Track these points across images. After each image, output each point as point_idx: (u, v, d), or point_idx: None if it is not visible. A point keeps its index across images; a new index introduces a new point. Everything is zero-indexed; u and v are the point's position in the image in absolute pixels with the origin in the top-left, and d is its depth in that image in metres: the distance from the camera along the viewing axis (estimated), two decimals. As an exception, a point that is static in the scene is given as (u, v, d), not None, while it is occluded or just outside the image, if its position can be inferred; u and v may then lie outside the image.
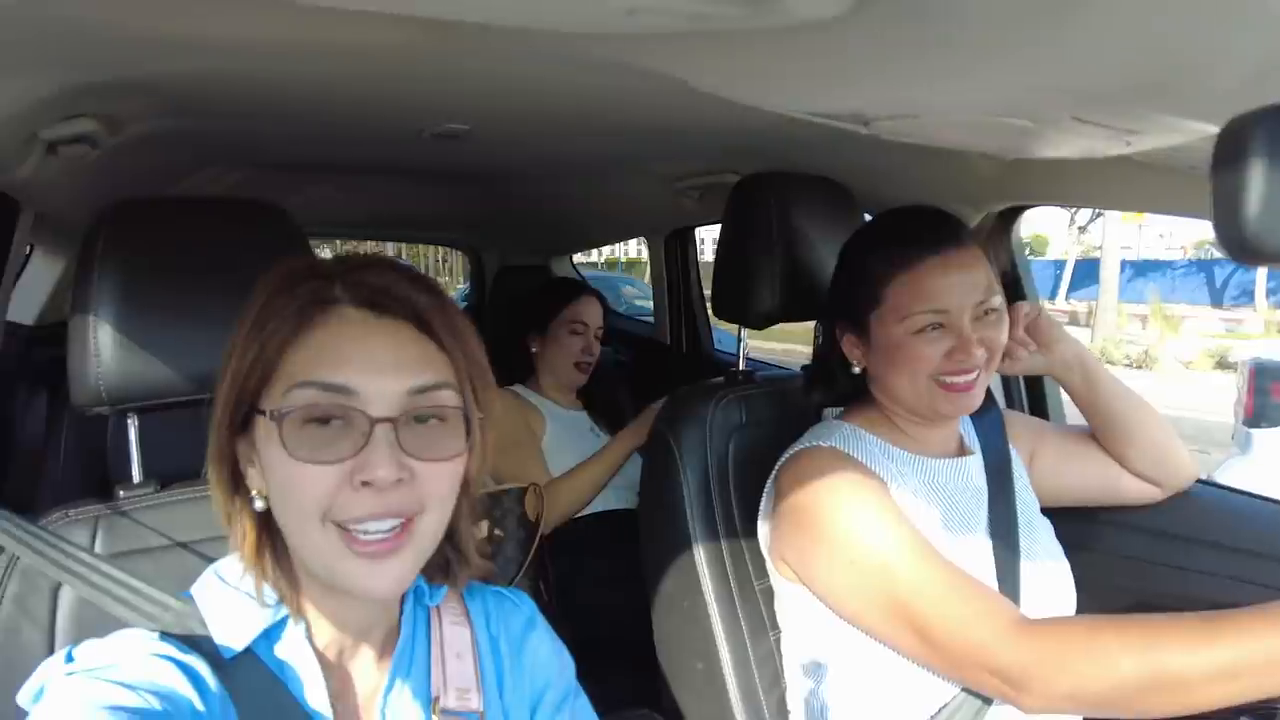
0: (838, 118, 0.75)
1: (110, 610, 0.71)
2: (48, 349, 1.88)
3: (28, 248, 1.98)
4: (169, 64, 0.98)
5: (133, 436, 0.94)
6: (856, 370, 1.15)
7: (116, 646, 0.63)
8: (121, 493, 0.91)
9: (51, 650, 0.80)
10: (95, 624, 0.74)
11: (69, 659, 0.61)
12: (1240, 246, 0.34)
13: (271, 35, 0.86)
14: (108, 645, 0.63)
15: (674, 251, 2.63)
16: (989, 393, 1.21)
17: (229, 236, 0.94)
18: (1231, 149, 0.35)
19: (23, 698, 0.60)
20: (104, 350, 0.86)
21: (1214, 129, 0.64)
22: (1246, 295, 17.97)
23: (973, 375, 1.05)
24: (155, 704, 0.57)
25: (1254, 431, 3.05)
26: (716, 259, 1.38)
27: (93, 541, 0.86)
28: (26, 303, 2.00)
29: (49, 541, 0.77)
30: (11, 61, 0.85)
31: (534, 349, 2.10)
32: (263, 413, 0.62)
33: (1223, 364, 11.02)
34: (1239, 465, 3.00)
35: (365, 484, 0.60)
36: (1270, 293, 17.42)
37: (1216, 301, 18.55)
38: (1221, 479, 1.31)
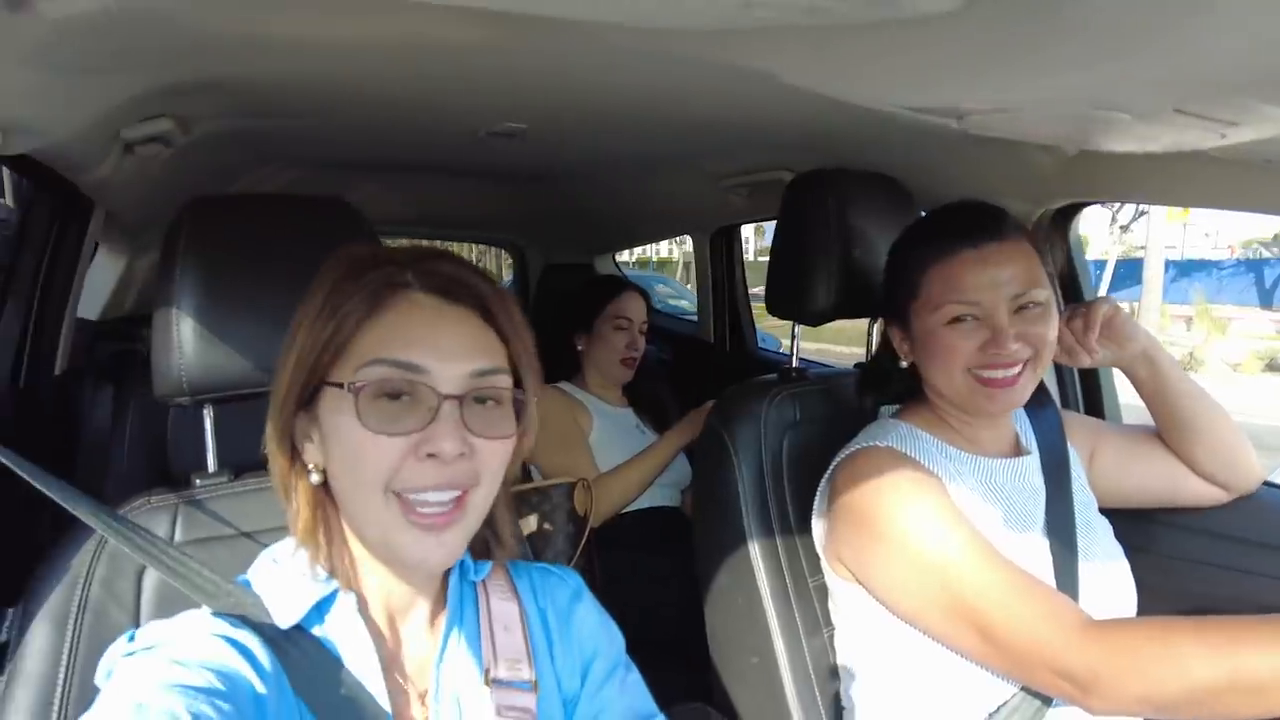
0: (933, 112, 0.75)
1: (187, 593, 0.73)
2: (111, 344, 1.94)
3: (95, 245, 2.04)
4: (242, 63, 1.01)
5: (208, 427, 0.96)
6: (904, 364, 1.16)
7: (174, 627, 0.66)
8: (198, 481, 0.94)
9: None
10: (176, 606, 0.76)
11: (130, 639, 0.64)
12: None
13: (343, 34, 0.89)
14: (166, 626, 0.66)
15: (719, 249, 2.62)
16: (1045, 391, 1.20)
17: (301, 232, 0.96)
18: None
19: (98, 678, 0.63)
20: (186, 343, 0.89)
21: (1311, 120, 0.63)
22: (1298, 296, 17.44)
23: (1013, 370, 1.04)
24: (212, 679, 0.59)
25: (1311, 435, 2.96)
26: (772, 255, 1.38)
27: (173, 528, 0.89)
28: (91, 299, 2.06)
29: (134, 529, 0.79)
30: (104, 63, 0.88)
31: (580, 346, 2.12)
32: (337, 385, 0.65)
33: (1273, 366, 10.72)
34: (1295, 469, 2.92)
35: (430, 456, 0.64)
36: (1323, 294, 16.90)
37: (1266, 302, 18.00)
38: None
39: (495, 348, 0.70)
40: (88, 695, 0.79)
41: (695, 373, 2.70)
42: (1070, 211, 1.48)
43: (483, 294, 0.69)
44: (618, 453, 1.98)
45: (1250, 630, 0.81)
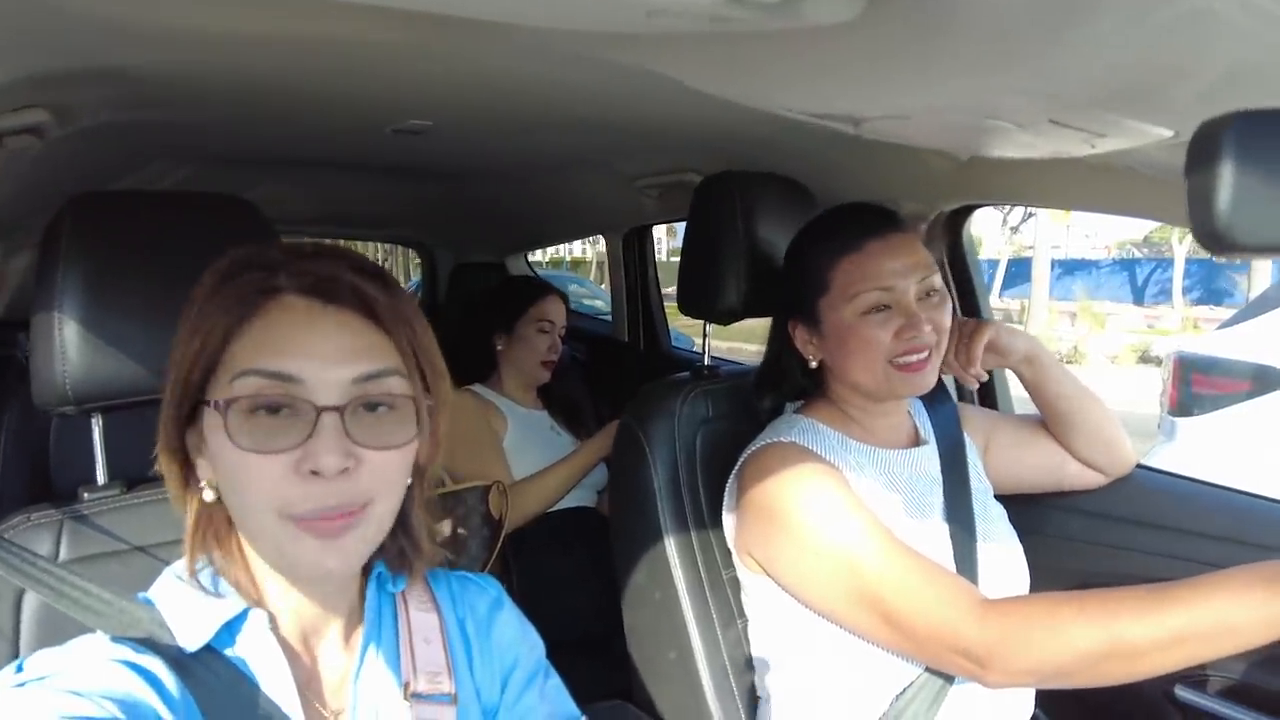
0: (831, 118, 0.78)
1: (75, 616, 0.69)
2: None
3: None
4: (129, 54, 0.95)
5: (97, 437, 0.91)
6: (813, 364, 1.17)
7: (69, 654, 0.61)
8: (86, 495, 0.89)
9: (18, 659, 0.78)
10: (60, 632, 0.71)
11: (19, 669, 0.59)
12: (1214, 240, 0.38)
13: (239, 26, 0.85)
14: (60, 653, 0.61)
15: (633, 250, 2.64)
16: (943, 385, 1.26)
17: (196, 230, 0.92)
18: (1205, 150, 0.38)
19: None
20: (70, 348, 0.84)
21: (1168, 133, 0.69)
22: (1165, 294, 18.85)
23: (924, 354, 1.09)
24: (113, 710, 0.56)
25: (1178, 420, 3.19)
26: (682, 255, 1.40)
27: (57, 545, 0.84)
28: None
29: (10, 548, 0.74)
30: None
31: (500, 347, 2.10)
32: (208, 403, 0.62)
33: (1145, 358, 11.52)
34: (1165, 453, 3.14)
35: (313, 473, 0.60)
36: (1186, 290, 18.31)
37: (1138, 299, 19.40)
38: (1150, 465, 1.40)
39: (383, 348, 0.64)
40: (-39, 731, 0.73)
41: (610, 372, 2.71)
42: (963, 213, 1.56)
43: (363, 292, 0.64)
44: (533, 455, 1.97)
45: (1125, 600, 0.87)
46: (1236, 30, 0.45)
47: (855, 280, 1.08)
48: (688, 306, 1.40)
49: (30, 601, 0.80)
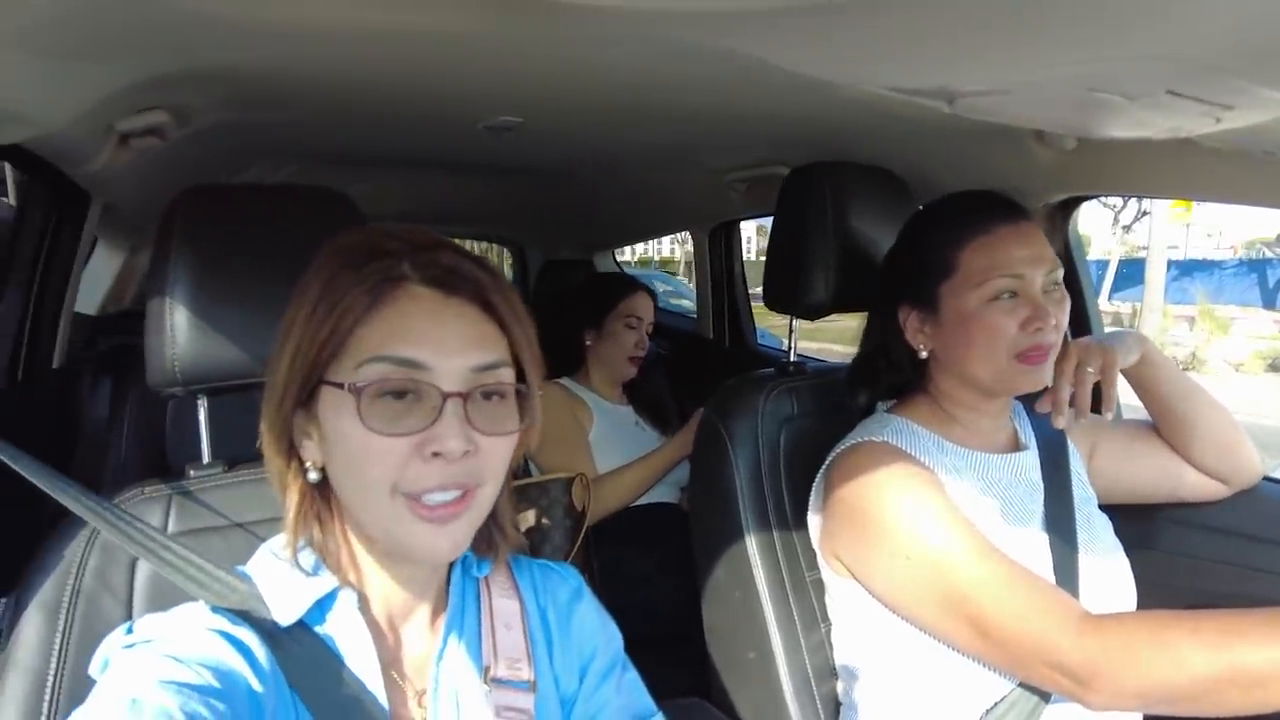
0: (923, 94, 0.74)
1: (180, 585, 0.73)
2: (109, 338, 1.94)
3: (93, 240, 2.04)
4: (238, 53, 1.01)
5: (202, 418, 0.96)
6: (923, 355, 1.12)
7: (172, 621, 0.65)
8: (192, 472, 0.94)
9: (129, 621, 0.83)
10: (169, 597, 0.76)
11: (129, 630, 0.63)
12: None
13: (337, 21, 0.88)
14: (164, 620, 0.65)
15: (719, 245, 2.62)
16: (1045, 388, 1.19)
17: (296, 222, 0.96)
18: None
19: (93, 668, 0.63)
20: (179, 333, 0.88)
21: (1309, 105, 0.63)
22: (1300, 296, 17.42)
23: (1047, 349, 1.04)
24: (208, 677, 0.59)
25: (1313, 433, 2.95)
26: (769, 249, 1.38)
27: (166, 518, 0.89)
28: (89, 294, 2.06)
29: (125, 518, 0.79)
30: (94, 51, 0.87)
31: (589, 342, 2.13)
32: (337, 385, 0.64)
33: (1275, 366, 10.70)
34: (1297, 468, 2.91)
35: (435, 455, 0.63)
36: (1326, 293, 16.87)
37: (1269, 303, 17.97)
38: None
39: (496, 340, 0.68)
40: (79, 685, 0.79)
41: (694, 369, 2.69)
42: (1070, 206, 1.48)
43: (482, 285, 0.67)
44: (617, 450, 1.98)
45: (1247, 624, 0.80)
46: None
47: (984, 265, 1.04)
48: (774, 301, 1.38)
49: (143, 568, 0.85)
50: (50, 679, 0.80)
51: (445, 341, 0.65)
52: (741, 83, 1.04)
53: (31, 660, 0.80)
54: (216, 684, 0.59)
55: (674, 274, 15.55)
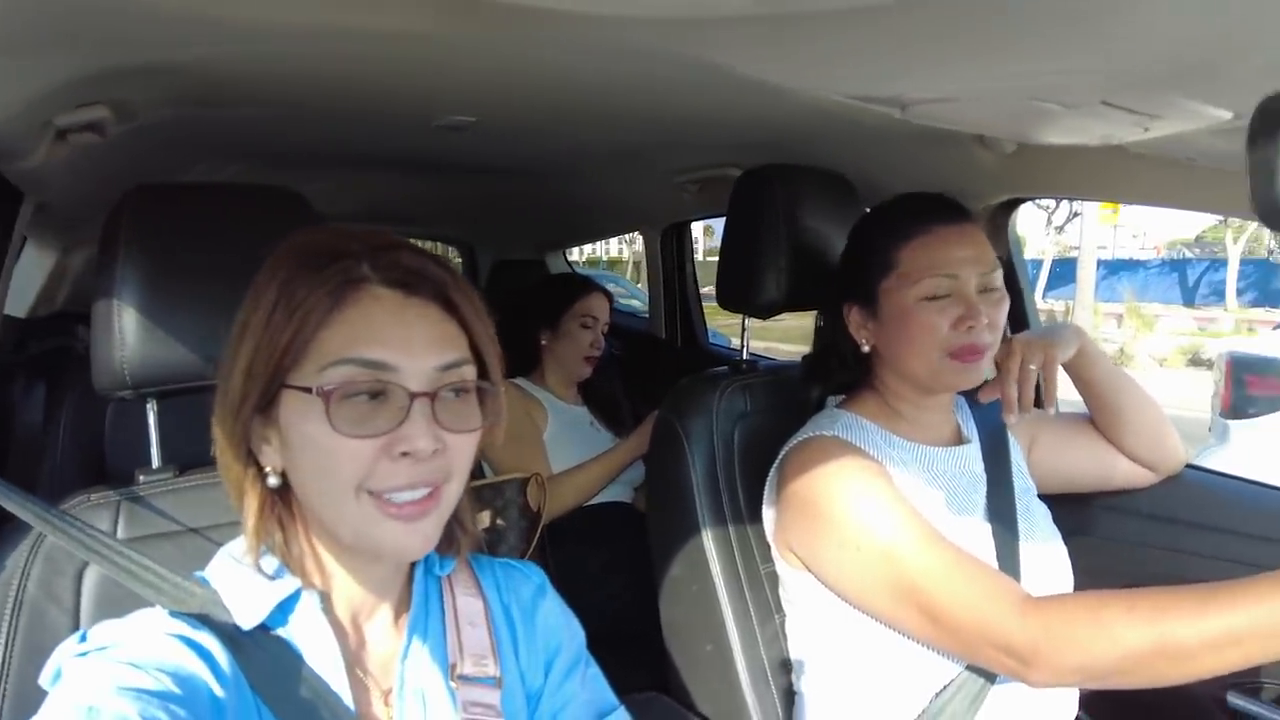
0: (876, 101, 0.77)
1: (136, 590, 0.71)
2: (42, 340, 1.87)
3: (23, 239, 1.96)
4: (186, 48, 0.98)
5: (152, 421, 0.94)
6: (865, 349, 1.16)
7: (128, 627, 0.64)
8: (141, 478, 0.91)
9: (76, 631, 0.81)
10: (118, 605, 0.74)
11: (82, 639, 0.62)
12: (1275, 215, 0.37)
13: (288, 18, 0.87)
14: (120, 626, 0.64)
15: (670, 245, 2.64)
16: (987, 382, 1.24)
17: (248, 221, 0.94)
18: (1268, 124, 0.38)
19: (44, 679, 0.61)
20: (128, 334, 0.86)
21: (1227, 114, 0.67)
22: (1217, 295, 18.28)
23: (979, 348, 1.06)
24: (167, 683, 0.58)
25: (1231, 423, 3.11)
26: (722, 249, 1.40)
27: (115, 525, 0.87)
28: (19, 295, 1.98)
29: (75, 524, 0.77)
30: (33, 43, 0.84)
31: (544, 342, 2.13)
32: (301, 389, 0.63)
33: (1195, 361, 11.20)
34: (1217, 455, 3.07)
35: (404, 455, 0.63)
36: (1241, 292, 17.74)
37: (1189, 300, 18.84)
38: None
39: (458, 338, 0.68)
40: (25, 700, 0.76)
41: (647, 368, 2.71)
42: (1009, 207, 1.54)
43: (443, 284, 0.68)
44: (572, 450, 1.98)
45: (1176, 599, 0.85)
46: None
47: (921, 263, 1.07)
48: (727, 300, 1.40)
49: (91, 575, 0.83)
50: None
51: (410, 342, 0.65)
52: (695, 87, 1.05)
53: None
54: (176, 689, 0.58)
55: (623, 275, 15.56)
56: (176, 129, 1.37)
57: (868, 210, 1.20)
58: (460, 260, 3.41)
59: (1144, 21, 0.47)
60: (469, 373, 0.68)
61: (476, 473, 1.88)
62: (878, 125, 1.03)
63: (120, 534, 0.86)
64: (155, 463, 0.94)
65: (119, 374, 0.87)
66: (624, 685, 0.91)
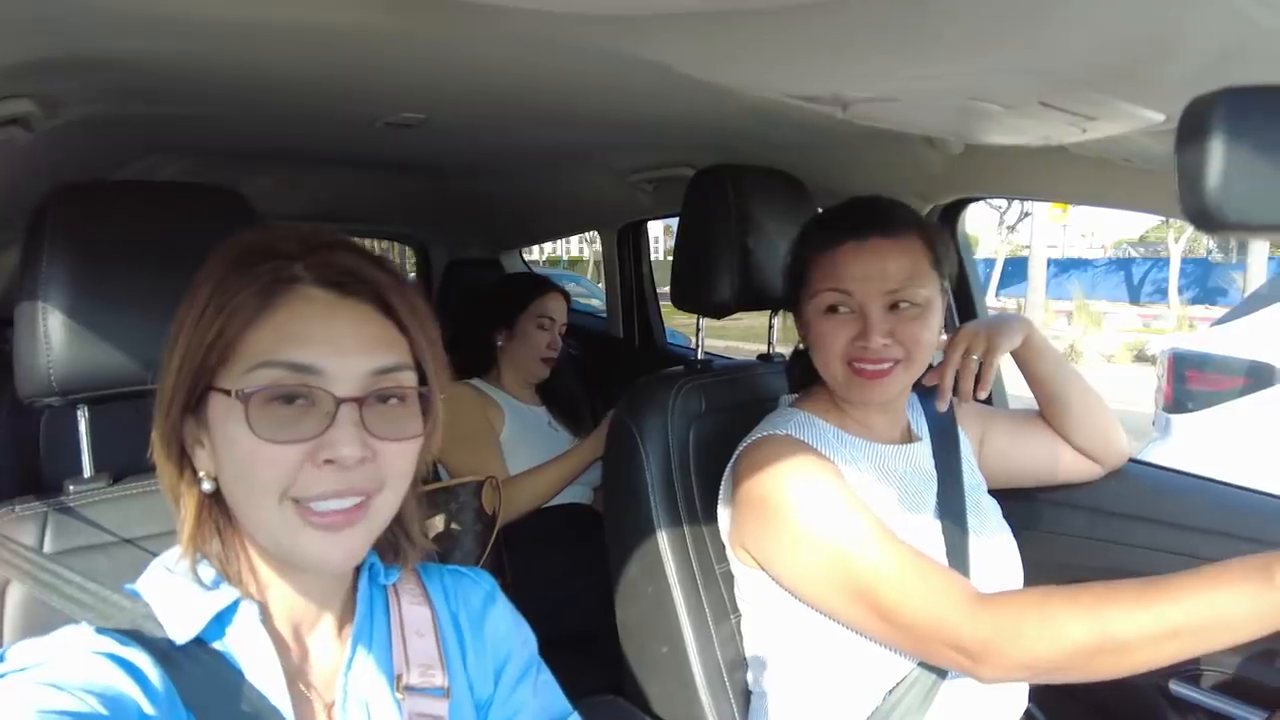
0: (817, 100, 0.77)
1: (59, 607, 0.68)
2: None
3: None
4: (114, 42, 0.94)
5: (83, 429, 0.91)
6: (804, 349, 1.19)
7: (50, 646, 0.61)
8: (71, 488, 0.88)
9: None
10: (45, 624, 0.71)
11: (1, 659, 0.59)
12: (1204, 218, 0.37)
13: (225, 12, 0.84)
14: (41, 645, 0.61)
15: (626, 245, 2.63)
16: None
17: (183, 221, 0.91)
18: (1194, 126, 0.38)
19: None
20: (54, 338, 0.83)
21: (1160, 117, 0.69)
22: (1161, 293, 18.88)
23: (883, 365, 1.07)
24: (93, 704, 0.55)
25: (1173, 417, 3.20)
26: (675, 249, 1.40)
27: (41, 538, 0.83)
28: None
29: None
30: None
31: (500, 342, 2.10)
32: (224, 391, 0.61)
33: (1140, 357, 11.53)
34: (1160, 449, 3.15)
35: (328, 462, 0.61)
36: (1182, 290, 18.34)
37: (1134, 298, 19.44)
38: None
39: (396, 342, 0.66)
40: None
41: (606, 368, 2.70)
42: (957, 208, 1.56)
43: (380, 285, 0.65)
44: (530, 451, 1.96)
45: (1118, 593, 0.86)
46: (1227, 10, 0.44)
47: (819, 279, 1.10)
48: (681, 300, 1.40)
49: (15, 592, 0.79)
50: None
51: (340, 344, 0.63)
52: (643, 86, 1.05)
53: None
54: (103, 710, 0.55)
55: (584, 274, 15.52)
56: (112, 125, 1.32)
57: (806, 223, 1.21)
58: (416, 260, 3.36)
59: (1073, 21, 0.47)
60: (406, 378, 0.66)
61: (430, 476, 1.86)
62: (826, 126, 1.03)
63: (47, 547, 0.83)
64: (87, 471, 0.90)
65: (45, 380, 0.84)
66: (583, 688, 0.91)
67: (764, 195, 1.36)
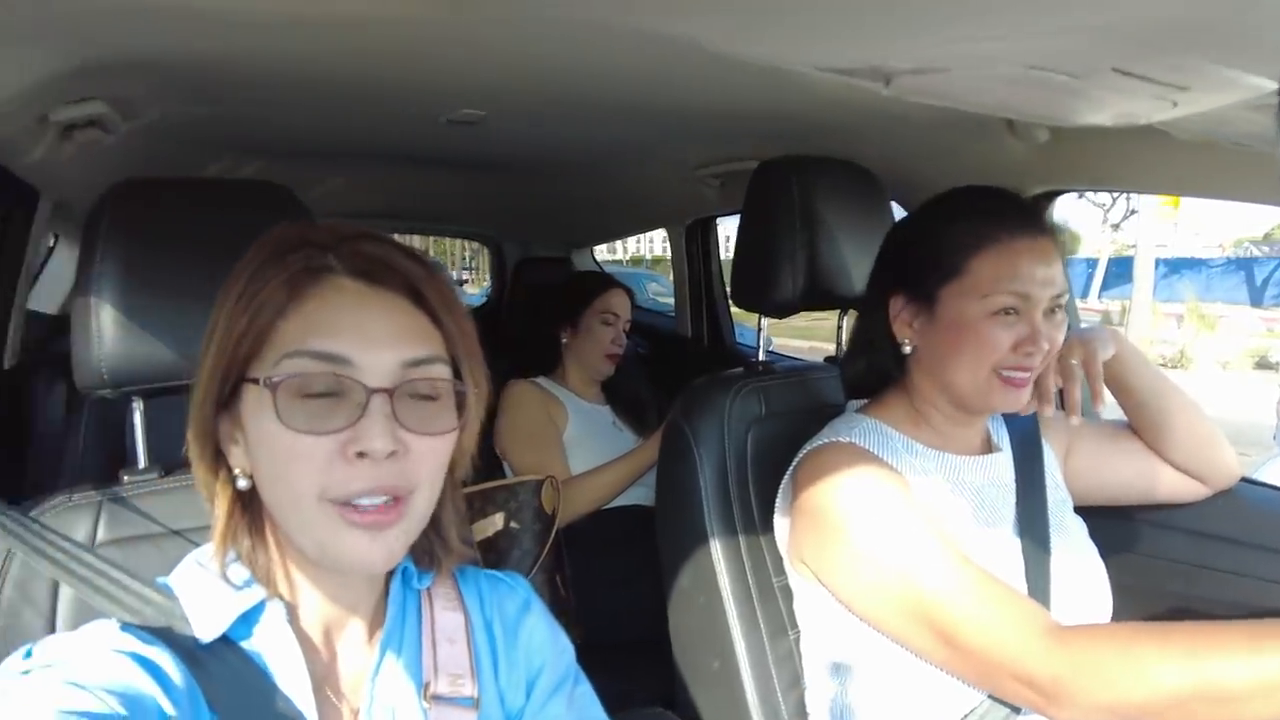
0: (857, 74, 0.71)
1: (91, 602, 0.70)
2: (67, 338, 1.90)
3: (52, 238, 2.00)
4: (180, 41, 0.97)
5: (137, 421, 0.93)
6: (907, 350, 1.08)
7: (75, 643, 0.61)
8: (125, 478, 0.90)
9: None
10: (94, 611, 0.72)
11: (27, 655, 0.59)
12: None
13: (282, 10, 0.85)
14: (67, 642, 0.61)
15: (695, 243, 2.61)
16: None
17: (233, 217, 0.92)
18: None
19: None
20: (105, 332, 0.85)
21: (1271, 85, 0.59)
22: (1287, 295, 17.55)
23: (1029, 373, 1.01)
24: (114, 704, 0.55)
25: (1297, 431, 2.95)
26: (736, 245, 1.35)
27: (95, 526, 0.85)
28: (50, 293, 2.02)
29: (35, 531, 0.76)
30: (15, 34, 0.84)
31: (565, 339, 2.11)
32: (254, 381, 0.61)
33: (1262, 364, 10.76)
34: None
35: (360, 455, 0.60)
36: (1313, 292, 17.00)
37: (1256, 301, 18.11)
38: (1262, 479, 1.27)
39: (428, 334, 0.64)
40: None
41: (673, 367, 2.67)
42: (1045, 201, 1.46)
43: (412, 276, 0.64)
44: (593, 450, 1.95)
45: (1219, 636, 0.78)
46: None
47: (994, 276, 1.00)
48: (742, 298, 1.35)
49: (67, 589, 0.81)
50: None
51: (370, 334, 0.61)
52: (702, 75, 1.01)
53: None
54: (123, 710, 0.55)
55: (666, 274, 15.57)
56: (186, 127, 1.37)
57: (930, 201, 1.11)
58: (490, 258, 3.42)
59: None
60: (439, 371, 0.64)
61: (496, 474, 1.87)
62: (898, 113, 0.96)
63: (101, 536, 0.85)
64: (141, 462, 0.92)
65: (97, 372, 0.86)
66: (634, 697, 0.87)
67: (831, 187, 1.29)
